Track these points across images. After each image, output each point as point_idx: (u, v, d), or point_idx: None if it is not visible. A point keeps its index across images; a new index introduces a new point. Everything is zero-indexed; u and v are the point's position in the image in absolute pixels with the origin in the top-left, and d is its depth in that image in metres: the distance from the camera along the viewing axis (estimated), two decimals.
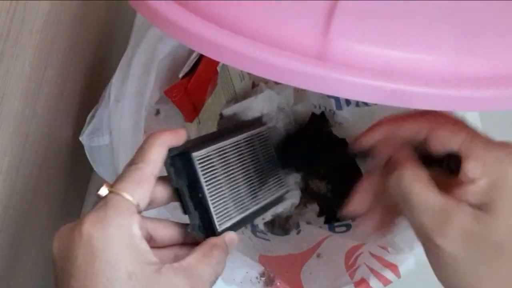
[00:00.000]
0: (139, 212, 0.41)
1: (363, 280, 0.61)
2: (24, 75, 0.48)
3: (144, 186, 0.41)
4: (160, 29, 0.44)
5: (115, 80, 0.61)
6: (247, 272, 0.62)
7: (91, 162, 0.64)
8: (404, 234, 0.62)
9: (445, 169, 0.46)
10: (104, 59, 0.62)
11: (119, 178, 0.42)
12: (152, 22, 0.45)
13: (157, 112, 0.69)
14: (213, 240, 0.45)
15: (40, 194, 0.60)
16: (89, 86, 0.67)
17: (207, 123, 0.77)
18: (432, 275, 0.76)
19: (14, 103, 0.47)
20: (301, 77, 0.39)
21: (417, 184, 0.43)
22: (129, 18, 0.81)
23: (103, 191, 0.41)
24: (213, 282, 0.43)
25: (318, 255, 0.69)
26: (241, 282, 0.61)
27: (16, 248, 0.56)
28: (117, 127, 0.59)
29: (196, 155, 0.46)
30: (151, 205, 0.43)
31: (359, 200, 0.51)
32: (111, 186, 0.41)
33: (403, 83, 0.39)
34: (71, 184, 0.71)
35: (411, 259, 0.61)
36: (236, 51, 0.40)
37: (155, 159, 0.43)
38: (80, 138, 0.63)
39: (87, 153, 0.64)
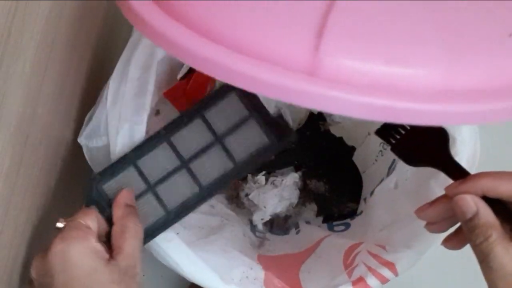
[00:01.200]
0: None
1: (361, 279, 0.61)
2: (24, 76, 0.48)
3: (90, 216, 0.53)
4: (149, 39, 0.46)
5: (112, 82, 0.61)
6: (246, 272, 0.62)
7: (89, 163, 0.64)
8: (402, 232, 0.63)
9: None
10: (104, 59, 0.62)
11: (72, 216, 0.53)
12: (142, 33, 0.47)
13: (157, 112, 0.69)
14: (116, 213, 0.55)
15: (40, 195, 0.60)
16: (89, 87, 0.67)
17: None
18: (429, 273, 0.76)
19: (14, 104, 0.47)
20: (291, 93, 0.40)
21: (499, 247, 0.46)
22: None
23: (60, 224, 0.52)
24: (142, 239, 0.54)
25: (317, 255, 0.69)
26: (240, 281, 0.61)
27: (17, 248, 0.56)
28: (115, 129, 0.60)
29: (105, 187, 0.58)
30: (99, 230, 0.54)
31: (430, 213, 0.54)
32: (65, 220, 0.53)
33: (393, 99, 0.40)
34: (71, 185, 0.71)
35: (409, 257, 0.61)
36: (226, 67, 0.41)
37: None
38: (79, 140, 0.63)
39: (85, 154, 0.64)
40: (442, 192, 0.60)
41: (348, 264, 0.64)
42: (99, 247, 0.51)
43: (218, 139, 0.59)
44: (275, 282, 0.62)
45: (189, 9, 0.44)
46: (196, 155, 0.59)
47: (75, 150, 0.64)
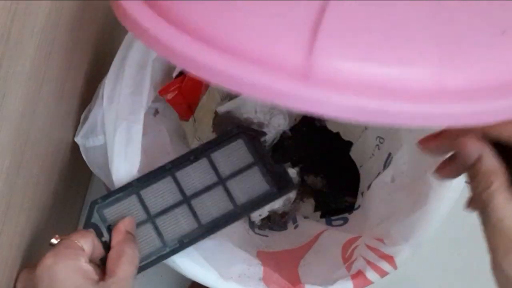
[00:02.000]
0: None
1: (360, 273, 0.61)
2: (24, 76, 0.48)
3: (86, 238, 0.53)
4: (144, 43, 0.45)
5: (108, 80, 0.61)
6: (245, 268, 0.62)
7: (87, 162, 0.64)
8: (400, 225, 0.63)
9: None
10: (104, 59, 0.62)
11: (68, 234, 0.54)
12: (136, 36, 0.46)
13: (156, 111, 0.69)
14: (116, 238, 0.55)
15: (40, 194, 0.60)
16: (89, 87, 0.67)
17: (203, 121, 0.77)
18: (428, 266, 0.76)
19: (14, 103, 0.47)
20: (285, 97, 0.40)
21: (501, 197, 0.42)
22: None
23: (54, 240, 0.53)
24: (137, 266, 0.54)
25: (316, 249, 0.69)
26: (239, 277, 0.61)
27: (16, 248, 0.56)
28: (112, 128, 0.60)
29: (106, 211, 0.58)
30: (93, 254, 0.54)
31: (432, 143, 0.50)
32: (60, 237, 0.53)
33: (387, 101, 0.39)
34: (71, 184, 0.71)
35: (407, 250, 0.61)
36: (219, 70, 0.41)
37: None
38: (76, 139, 0.63)
39: (82, 153, 0.64)
40: (439, 184, 0.61)
41: (347, 258, 0.65)
42: (88, 268, 0.51)
43: (222, 181, 0.61)
44: (274, 278, 0.62)
45: (180, 10, 0.44)
46: (198, 193, 0.60)
47: (75, 150, 0.64)
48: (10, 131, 0.48)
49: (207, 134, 0.80)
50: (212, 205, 0.60)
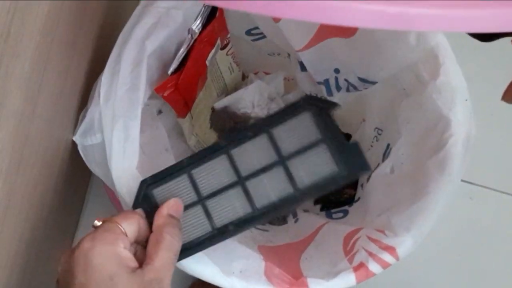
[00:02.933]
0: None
1: (362, 264, 0.61)
2: (24, 75, 0.48)
3: (130, 220, 0.51)
4: None
5: (104, 78, 0.61)
6: (246, 263, 0.62)
7: (85, 161, 0.64)
8: (401, 216, 0.63)
9: None
10: (104, 59, 0.62)
11: (111, 216, 0.51)
12: None
13: (159, 112, 0.69)
14: (157, 221, 0.52)
15: (40, 194, 0.60)
16: (89, 86, 0.67)
17: (200, 118, 0.77)
18: (430, 256, 0.76)
19: (14, 103, 0.47)
20: (303, 8, 0.36)
21: None
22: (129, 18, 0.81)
23: (96, 222, 0.51)
24: (177, 253, 0.51)
25: (317, 242, 0.69)
26: (240, 272, 0.61)
27: (17, 248, 0.56)
28: (110, 125, 0.59)
29: (155, 191, 0.55)
30: (139, 236, 0.52)
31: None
32: (103, 219, 0.51)
33: (405, 5, 0.36)
34: (71, 184, 0.71)
35: (409, 241, 0.61)
36: None
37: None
38: (74, 138, 0.63)
39: (81, 152, 0.64)
40: (439, 174, 0.61)
41: (348, 250, 0.64)
42: (126, 254, 0.49)
43: (282, 160, 0.53)
44: (276, 272, 0.62)
45: None
46: (255, 173, 0.54)
47: (75, 149, 0.64)
48: (9, 130, 0.48)
49: (205, 130, 0.80)
50: (269, 187, 0.53)
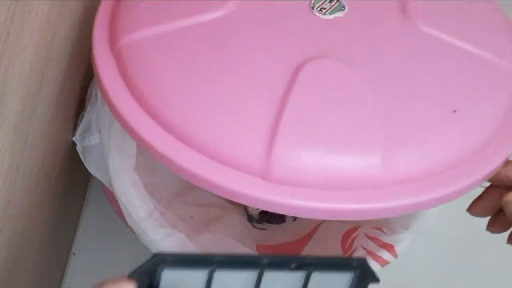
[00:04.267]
0: None
1: None
2: (24, 75, 0.48)
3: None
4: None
5: None
6: None
7: (84, 162, 0.64)
8: None
9: None
10: None
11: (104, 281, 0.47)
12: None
13: None
14: None
15: (40, 194, 0.60)
16: (89, 86, 0.67)
17: None
18: (430, 256, 0.76)
19: (14, 103, 0.47)
20: (243, 197, 0.47)
21: None
22: None
23: None
24: None
25: (315, 240, 0.70)
26: None
27: (17, 248, 0.56)
28: (107, 126, 0.59)
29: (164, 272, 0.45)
30: None
31: (480, 207, 0.54)
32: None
33: (335, 202, 0.46)
34: (71, 184, 0.71)
35: (408, 238, 0.61)
36: (185, 168, 0.48)
37: None
38: (74, 139, 0.63)
39: (80, 153, 0.64)
40: None
41: (347, 248, 0.65)
42: None
43: None
44: None
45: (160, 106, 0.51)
46: None
47: (75, 150, 0.64)
48: (9, 130, 0.48)
49: None
50: None
